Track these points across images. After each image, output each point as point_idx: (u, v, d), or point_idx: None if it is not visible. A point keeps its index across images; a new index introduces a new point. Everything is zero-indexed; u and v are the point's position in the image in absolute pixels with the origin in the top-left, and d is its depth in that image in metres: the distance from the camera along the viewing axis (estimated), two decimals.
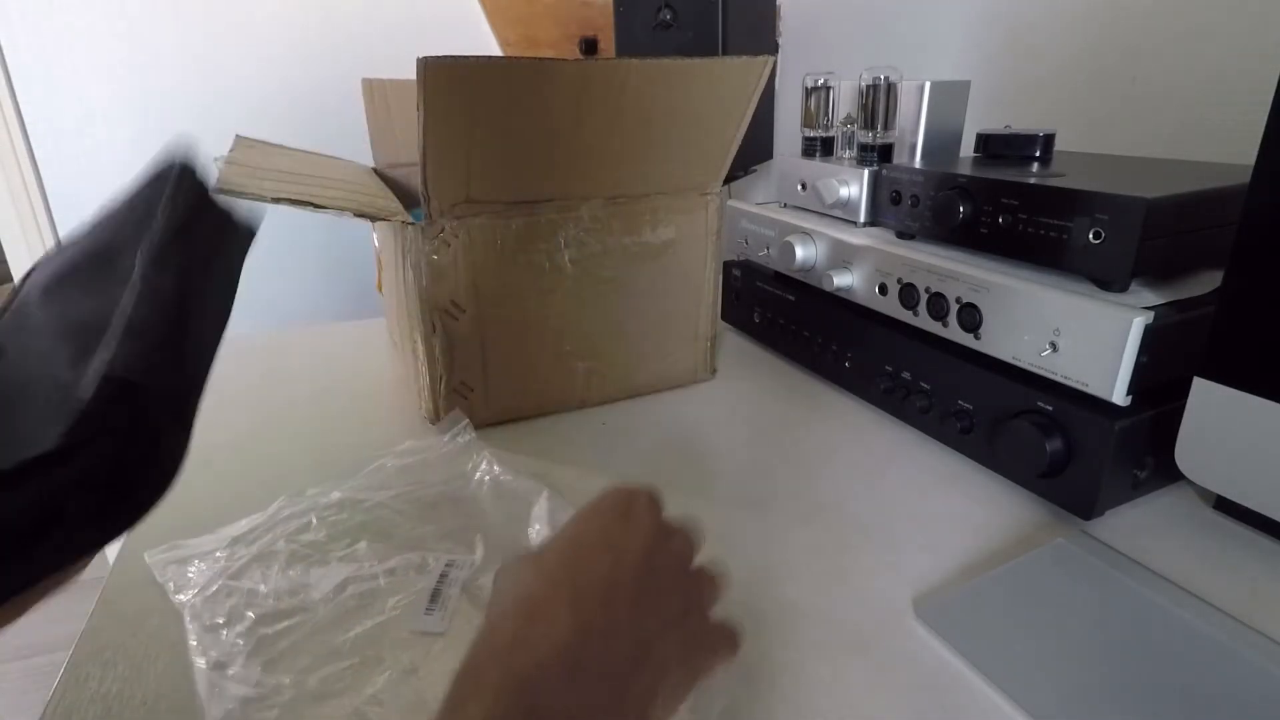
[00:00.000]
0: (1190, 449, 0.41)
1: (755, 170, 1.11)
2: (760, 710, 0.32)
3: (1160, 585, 0.38)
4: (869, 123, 0.62)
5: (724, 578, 0.30)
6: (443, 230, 0.51)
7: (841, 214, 0.64)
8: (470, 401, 0.57)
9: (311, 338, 0.80)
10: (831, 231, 0.61)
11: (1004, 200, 0.48)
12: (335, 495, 0.47)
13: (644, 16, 1.07)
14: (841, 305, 0.61)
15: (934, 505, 0.47)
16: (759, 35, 1.10)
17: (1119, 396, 0.41)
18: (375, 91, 0.79)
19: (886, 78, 0.60)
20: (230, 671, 0.34)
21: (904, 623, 0.37)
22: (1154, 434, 0.43)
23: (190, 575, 0.40)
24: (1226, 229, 0.38)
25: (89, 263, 0.26)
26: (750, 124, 0.57)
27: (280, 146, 0.50)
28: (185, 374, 0.25)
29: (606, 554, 0.27)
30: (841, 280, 0.59)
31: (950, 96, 0.63)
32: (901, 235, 0.58)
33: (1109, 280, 0.44)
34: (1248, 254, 0.37)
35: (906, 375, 0.55)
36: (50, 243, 1.47)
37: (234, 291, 0.28)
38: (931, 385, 0.53)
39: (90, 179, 1.47)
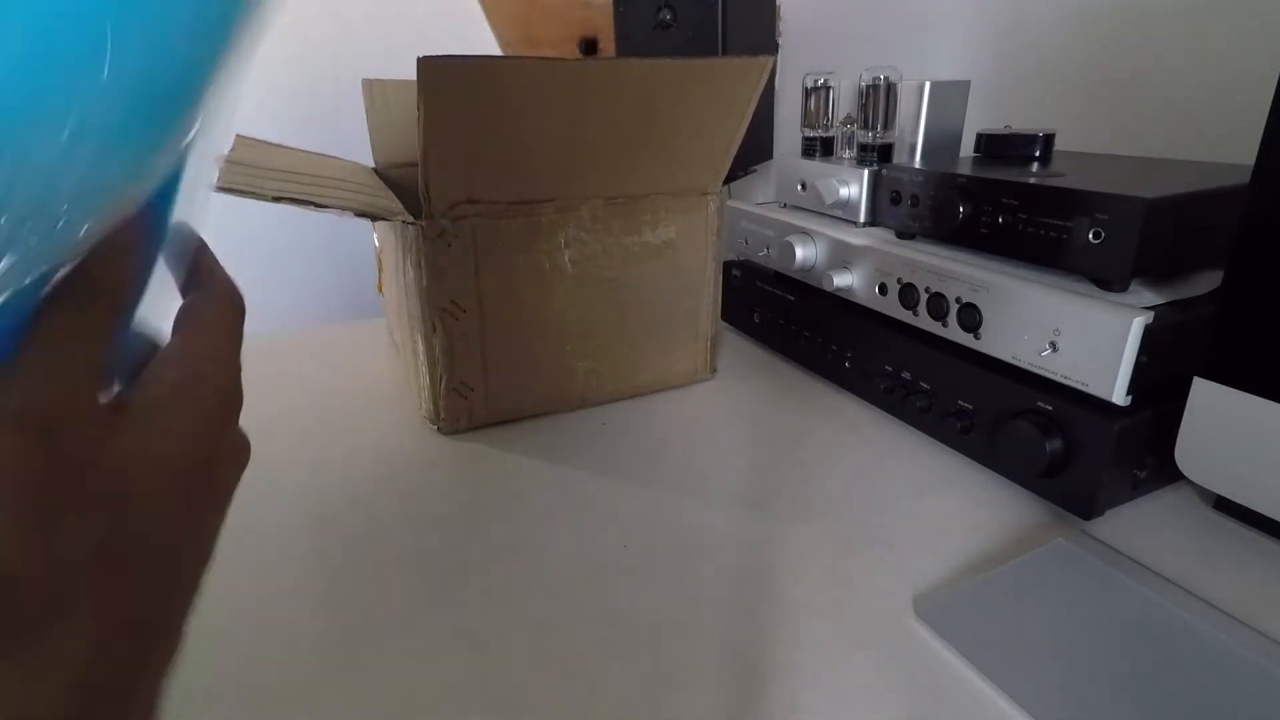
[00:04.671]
0: (1190, 449, 0.41)
1: (755, 170, 1.11)
2: (760, 710, 0.32)
3: (1160, 585, 0.38)
4: (869, 123, 0.62)
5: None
6: (443, 230, 0.51)
7: (841, 214, 0.64)
8: (470, 401, 0.57)
9: (311, 338, 0.80)
10: (831, 231, 0.61)
11: (1004, 200, 0.48)
12: None
13: (644, 16, 1.07)
14: (841, 305, 0.61)
15: (934, 505, 0.47)
16: (759, 35, 1.10)
17: (1119, 396, 0.41)
18: (375, 91, 0.79)
19: (886, 78, 0.61)
20: None
21: (904, 623, 0.37)
22: (1154, 434, 0.43)
23: None
24: (1226, 229, 0.38)
25: None
26: (750, 124, 0.57)
27: (280, 146, 0.50)
28: None
29: None
30: (841, 280, 0.59)
31: (950, 96, 0.63)
32: (901, 235, 0.58)
33: (1109, 280, 0.44)
34: (1248, 254, 0.37)
35: (906, 375, 0.55)
36: None
37: None
38: (931, 385, 0.53)
39: None
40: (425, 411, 0.58)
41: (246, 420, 0.22)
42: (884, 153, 0.62)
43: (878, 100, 0.61)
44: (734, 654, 0.35)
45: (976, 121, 0.63)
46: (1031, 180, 0.47)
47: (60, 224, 0.15)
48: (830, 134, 0.69)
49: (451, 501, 0.49)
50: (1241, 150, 0.59)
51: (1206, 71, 0.62)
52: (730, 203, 0.73)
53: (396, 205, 0.51)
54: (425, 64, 0.43)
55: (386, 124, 0.79)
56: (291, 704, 0.33)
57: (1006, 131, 0.57)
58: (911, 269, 0.53)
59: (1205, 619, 0.36)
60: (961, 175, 0.52)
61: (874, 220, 0.62)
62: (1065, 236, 0.45)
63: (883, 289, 0.56)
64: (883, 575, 0.41)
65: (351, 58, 1.54)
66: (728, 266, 0.76)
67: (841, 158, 0.68)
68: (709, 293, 0.64)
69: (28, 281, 0.15)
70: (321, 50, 1.53)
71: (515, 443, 0.56)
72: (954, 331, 0.50)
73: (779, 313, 0.70)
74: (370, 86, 0.79)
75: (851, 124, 0.68)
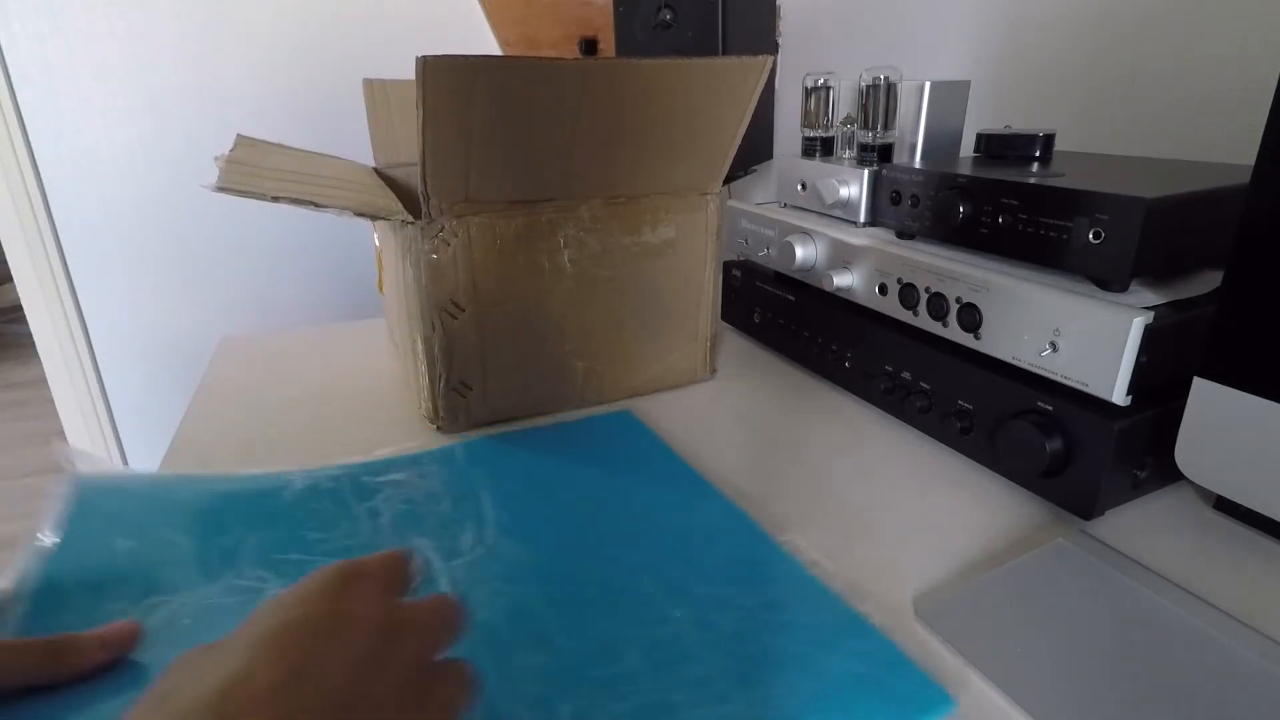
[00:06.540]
0: (1190, 449, 0.41)
1: (755, 170, 1.11)
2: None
3: (1160, 585, 0.38)
4: (869, 123, 0.62)
5: (472, 682, 0.26)
6: (442, 229, 0.51)
7: (841, 214, 0.64)
8: (469, 401, 0.57)
9: (311, 338, 0.80)
10: (831, 231, 0.61)
11: (1004, 200, 0.48)
12: None
13: (644, 16, 1.07)
14: (841, 305, 0.61)
15: (934, 505, 0.47)
16: (759, 35, 1.10)
17: (1119, 396, 0.41)
18: (375, 91, 0.79)
19: (886, 78, 0.60)
20: None
21: (904, 623, 0.37)
22: (1154, 434, 0.43)
23: None
24: (1226, 229, 0.38)
25: None
26: (750, 124, 0.57)
27: (280, 146, 0.50)
28: None
29: (316, 653, 0.21)
30: (841, 280, 0.59)
31: (950, 96, 0.63)
32: (901, 235, 0.58)
33: (1109, 280, 0.44)
34: (1248, 254, 0.37)
35: (906, 375, 0.55)
36: (50, 243, 1.47)
37: None
38: (931, 385, 0.53)
39: (90, 179, 1.47)
40: (424, 410, 0.58)
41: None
42: (884, 153, 0.62)
43: (878, 100, 0.61)
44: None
45: (976, 121, 0.63)
46: (1031, 180, 0.47)
47: None
48: (830, 134, 0.69)
49: None
50: (1241, 150, 0.59)
51: (1206, 72, 0.62)
52: (730, 203, 0.73)
53: (396, 205, 0.51)
54: (425, 63, 0.43)
55: (386, 124, 0.79)
56: None
57: (1006, 131, 0.57)
58: (911, 269, 0.53)
59: (1205, 619, 0.36)
60: (961, 175, 0.51)
61: (874, 220, 0.62)
62: (1065, 236, 0.45)
63: (883, 289, 0.56)
64: (883, 575, 0.41)
65: (351, 58, 1.54)
66: (728, 266, 0.76)
67: (841, 158, 0.67)
68: (709, 293, 0.64)
69: None
70: (321, 50, 1.53)
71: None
72: (954, 331, 0.50)
73: (779, 313, 0.70)
74: (370, 86, 0.79)
75: (851, 124, 0.68)
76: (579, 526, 0.45)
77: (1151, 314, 0.40)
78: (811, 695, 0.32)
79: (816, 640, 0.35)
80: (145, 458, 1.65)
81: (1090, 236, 0.43)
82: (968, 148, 0.64)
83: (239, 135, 0.48)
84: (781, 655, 0.34)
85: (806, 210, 0.68)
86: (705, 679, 0.33)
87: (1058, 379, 0.44)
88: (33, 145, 1.43)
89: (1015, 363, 0.47)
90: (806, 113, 0.69)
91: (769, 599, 0.38)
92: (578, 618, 0.37)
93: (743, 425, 0.59)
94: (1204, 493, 0.47)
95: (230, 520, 0.44)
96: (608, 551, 0.42)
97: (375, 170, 0.79)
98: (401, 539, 0.43)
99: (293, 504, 0.46)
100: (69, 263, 1.50)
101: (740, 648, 0.35)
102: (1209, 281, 0.46)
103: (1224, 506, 0.46)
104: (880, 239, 0.58)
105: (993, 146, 0.58)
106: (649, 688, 0.33)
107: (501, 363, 0.57)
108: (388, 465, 0.51)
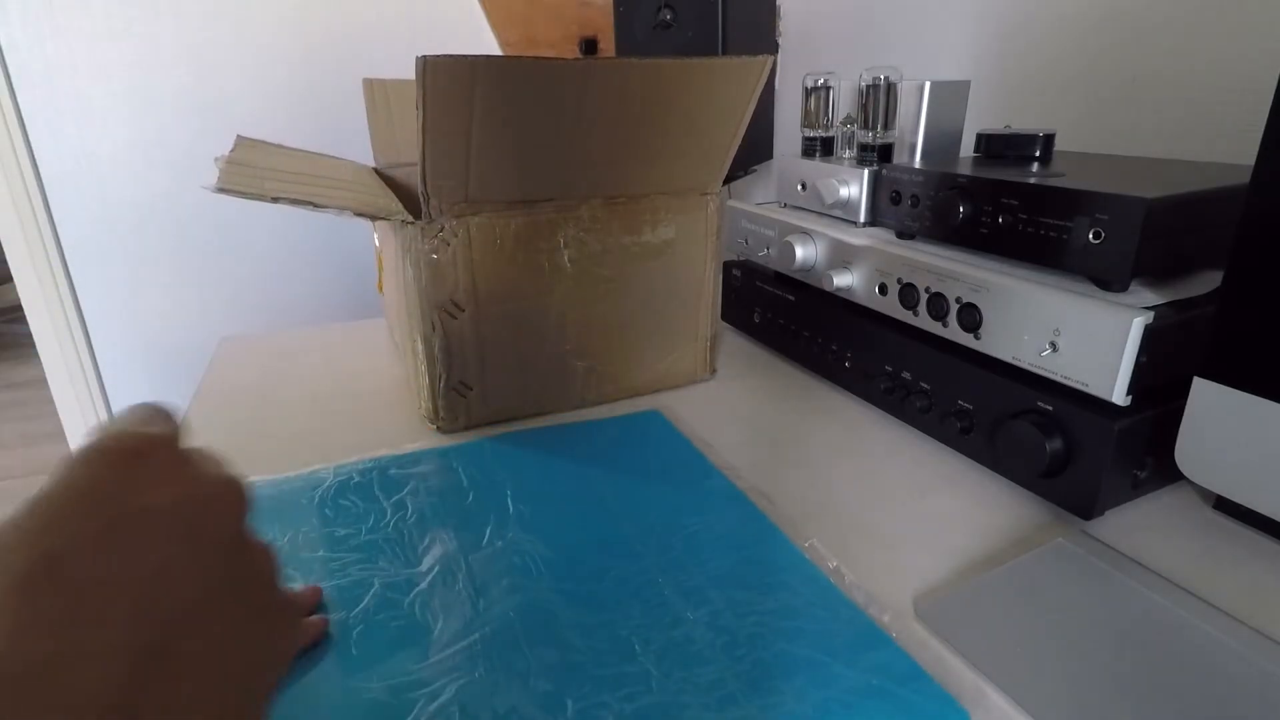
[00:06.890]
0: (1190, 449, 0.41)
1: (755, 170, 1.11)
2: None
3: (1160, 585, 0.38)
4: (869, 123, 0.62)
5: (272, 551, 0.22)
6: (442, 229, 0.51)
7: (841, 214, 0.64)
8: (469, 400, 0.57)
9: (311, 338, 0.80)
10: (831, 231, 0.61)
11: (1004, 200, 0.48)
12: None
13: (644, 16, 1.07)
14: (841, 305, 0.61)
15: (934, 505, 0.47)
16: (759, 35, 1.10)
17: (1119, 396, 0.41)
18: (375, 91, 0.79)
19: (886, 78, 0.60)
20: None
21: (904, 623, 0.37)
22: (1154, 434, 0.43)
23: None
24: (1226, 229, 0.38)
25: None
26: (750, 124, 0.57)
27: (280, 146, 0.50)
28: None
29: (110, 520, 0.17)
30: (841, 280, 0.59)
31: (950, 96, 0.63)
32: (901, 235, 0.58)
33: (1109, 280, 0.44)
34: (1248, 254, 0.37)
35: (906, 375, 0.55)
36: (50, 243, 1.47)
37: None
38: (931, 385, 0.53)
39: (90, 179, 1.47)
40: (424, 410, 0.58)
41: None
42: (884, 153, 0.62)
43: (878, 100, 0.61)
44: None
45: (976, 121, 0.63)
46: (1031, 180, 0.47)
47: None
48: (830, 134, 0.69)
49: None
50: (1241, 150, 0.59)
51: (1206, 71, 0.62)
52: (730, 203, 0.73)
53: (396, 205, 0.51)
54: (425, 63, 0.43)
55: (387, 124, 0.79)
56: None
57: (1006, 131, 0.57)
58: (911, 269, 0.53)
59: (1205, 619, 0.36)
60: (961, 175, 0.51)
61: (874, 220, 0.62)
62: (1065, 236, 0.45)
63: (883, 289, 0.56)
64: (883, 575, 0.41)
65: (351, 58, 1.54)
66: (728, 266, 0.76)
67: (841, 158, 0.67)
68: (709, 293, 0.64)
69: None
70: (322, 50, 1.53)
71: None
72: (954, 331, 0.50)
73: (779, 313, 0.70)
74: (371, 86, 0.79)
75: (851, 124, 0.68)
76: (598, 524, 0.45)
77: (1151, 314, 0.40)
78: (822, 703, 0.32)
79: (831, 649, 0.35)
80: None
81: (1090, 236, 0.43)
82: (968, 148, 0.64)
83: (239, 136, 0.48)
84: (794, 662, 0.34)
85: (806, 210, 0.68)
86: (716, 682, 0.33)
87: (1058, 379, 0.44)
88: (33, 145, 1.43)
89: (1015, 363, 0.47)
90: (806, 113, 0.69)
91: (786, 605, 0.38)
92: (592, 615, 0.37)
93: (743, 425, 0.59)
94: (1204, 493, 0.47)
95: (267, 524, 0.45)
96: (627, 550, 0.42)
97: (375, 170, 0.79)
98: (424, 531, 0.45)
99: (323, 501, 0.48)
100: (69, 263, 1.50)
101: (753, 653, 0.35)
102: (1209, 281, 0.46)
103: (1224, 506, 0.46)
104: (880, 239, 0.58)
105: (993, 146, 0.58)
106: (659, 688, 0.33)
107: (501, 363, 0.57)
108: (416, 458, 0.53)
